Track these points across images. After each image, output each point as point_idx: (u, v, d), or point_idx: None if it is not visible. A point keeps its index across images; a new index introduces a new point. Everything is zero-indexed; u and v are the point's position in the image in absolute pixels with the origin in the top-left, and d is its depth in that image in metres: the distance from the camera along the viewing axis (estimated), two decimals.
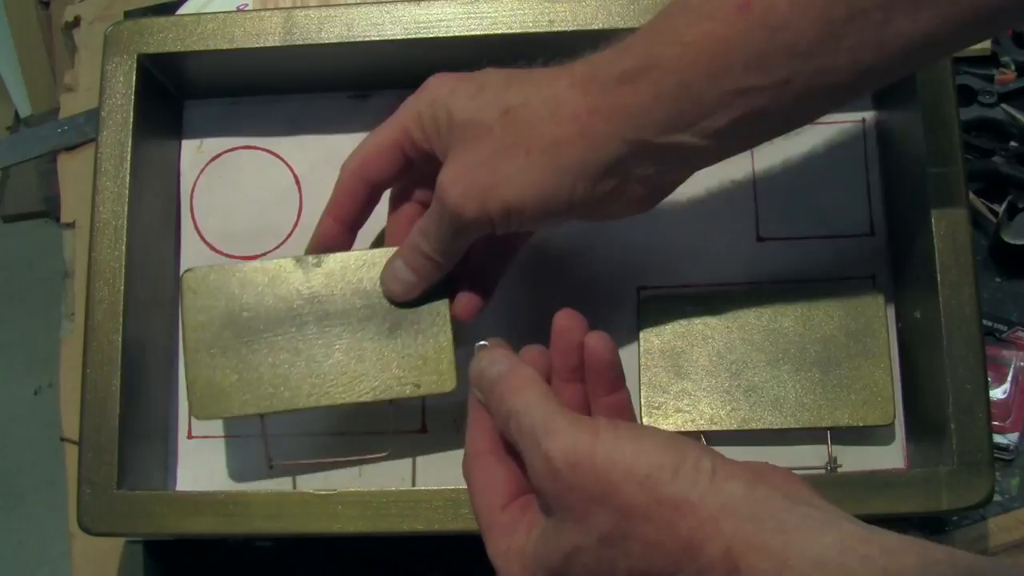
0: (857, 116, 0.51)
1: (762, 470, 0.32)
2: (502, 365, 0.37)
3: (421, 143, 0.43)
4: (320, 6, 0.49)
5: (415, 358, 0.46)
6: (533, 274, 0.50)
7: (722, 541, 0.29)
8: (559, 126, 0.39)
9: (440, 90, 0.42)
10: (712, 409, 0.47)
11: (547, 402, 0.35)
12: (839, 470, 0.46)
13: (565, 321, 0.38)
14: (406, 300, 0.45)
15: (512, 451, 0.37)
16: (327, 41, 0.48)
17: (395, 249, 0.45)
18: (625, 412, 0.39)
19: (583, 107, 0.39)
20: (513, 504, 0.36)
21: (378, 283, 0.46)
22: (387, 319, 0.46)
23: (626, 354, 0.49)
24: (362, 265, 0.46)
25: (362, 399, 0.45)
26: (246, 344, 0.45)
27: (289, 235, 0.52)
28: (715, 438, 0.47)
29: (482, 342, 0.39)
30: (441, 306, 0.46)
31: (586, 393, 0.38)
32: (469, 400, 0.39)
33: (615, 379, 0.38)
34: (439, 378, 0.46)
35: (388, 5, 0.48)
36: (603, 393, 0.38)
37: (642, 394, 0.47)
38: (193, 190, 0.53)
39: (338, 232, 0.46)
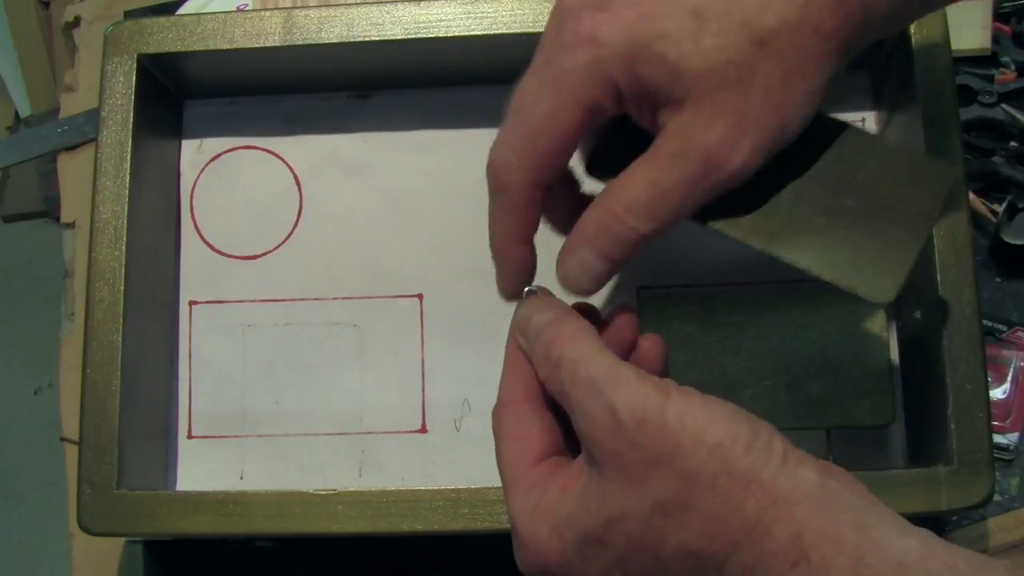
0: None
1: (828, 466, 0.30)
2: (554, 312, 0.34)
3: (612, 109, 0.34)
4: (320, 6, 0.49)
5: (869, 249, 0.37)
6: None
7: (792, 527, 0.28)
8: (826, 41, 0.32)
9: (630, 38, 0.33)
10: None
11: (607, 353, 0.32)
12: None
13: (622, 319, 0.36)
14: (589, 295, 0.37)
15: (551, 405, 0.34)
16: (327, 41, 0.48)
17: None
18: None
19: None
20: (546, 462, 0.33)
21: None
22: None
23: None
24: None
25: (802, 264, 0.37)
26: None
27: (289, 235, 0.52)
28: None
29: (531, 287, 0.37)
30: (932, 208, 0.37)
31: None
32: (508, 346, 0.36)
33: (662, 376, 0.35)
34: (880, 286, 0.36)
35: (388, 5, 0.48)
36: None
37: None
38: (193, 190, 0.53)
39: (525, 251, 0.37)
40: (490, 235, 0.37)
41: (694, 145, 0.33)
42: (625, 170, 0.35)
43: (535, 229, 0.37)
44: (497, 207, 0.37)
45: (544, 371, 0.34)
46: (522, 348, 0.35)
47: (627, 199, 0.34)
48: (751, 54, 0.32)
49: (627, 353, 0.36)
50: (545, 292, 0.36)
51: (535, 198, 0.36)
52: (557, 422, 0.34)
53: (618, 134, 0.37)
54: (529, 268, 0.38)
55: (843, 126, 0.38)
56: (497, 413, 0.35)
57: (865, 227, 0.37)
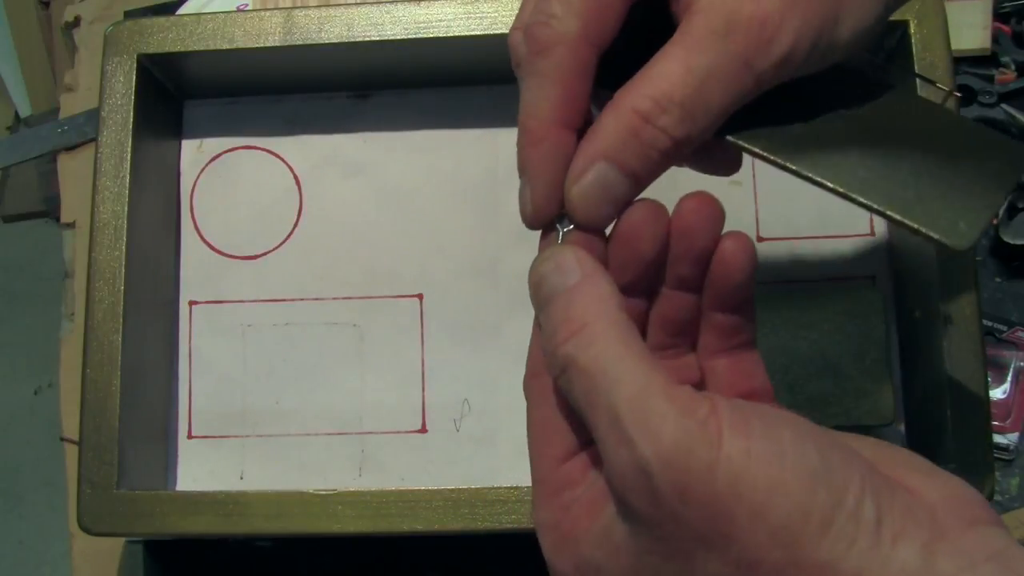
0: None
1: (942, 510, 0.23)
2: (572, 275, 0.26)
3: None
4: (320, 6, 0.49)
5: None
6: None
7: None
8: None
9: None
10: None
11: (629, 362, 0.24)
12: None
13: (694, 213, 0.27)
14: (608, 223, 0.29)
15: None
16: (327, 41, 0.48)
17: None
18: (744, 332, 0.29)
19: None
20: (572, 461, 0.27)
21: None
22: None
23: None
24: None
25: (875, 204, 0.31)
26: None
27: (289, 235, 0.52)
28: None
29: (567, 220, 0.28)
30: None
31: (697, 304, 0.28)
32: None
33: (744, 300, 0.28)
34: (954, 230, 0.30)
35: (388, 5, 0.48)
36: (718, 309, 0.28)
37: None
38: (193, 190, 0.53)
39: (571, 141, 0.29)
40: (521, 123, 0.29)
41: (742, 16, 0.26)
42: (651, 60, 0.28)
43: (583, 115, 0.29)
44: (534, 77, 0.29)
45: (552, 372, 0.27)
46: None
47: (657, 92, 0.27)
48: None
49: (701, 264, 0.27)
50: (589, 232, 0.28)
51: (588, 62, 0.28)
52: None
53: (636, 33, 0.30)
54: (563, 158, 0.29)
55: (890, 86, 0.33)
56: (526, 384, 0.29)
57: (931, 168, 0.31)
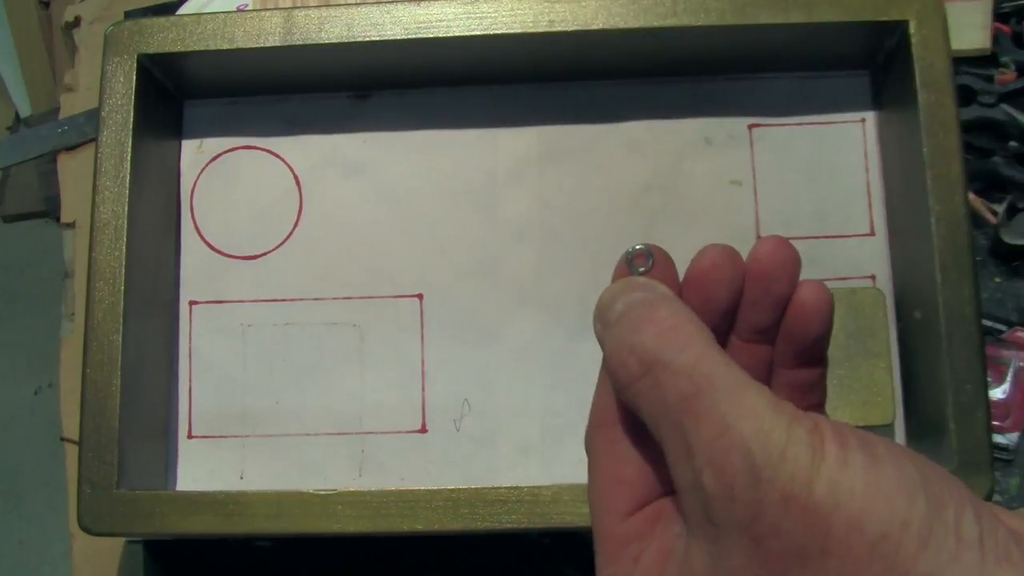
0: (857, 116, 0.51)
1: None
2: (647, 291, 0.25)
3: None
4: (320, 6, 0.49)
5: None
6: (532, 273, 0.50)
7: None
8: None
9: None
10: None
11: (736, 371, 0.23)
12: None
13: (772, 257, 0.26)
14: None
15: (643, 427, 0.25)
16: (327, 41, 0.48)
17: None
18: (816, 392, 0.28)
19: None
20: (640, 514, 0.26)
21: None
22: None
23: None
24: None
25: None
26: None
27: (289, 235, 0.52)
28: None
29: (637, 247, 0.27)
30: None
31: (769, 359, 0.27)
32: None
33: (818, 353, 0.27)
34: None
35: (388, 5, 0.48)
36: (794, 364, 0.27)
37: None
38: (193, 190, 0.53)
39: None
40: None
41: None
42: None
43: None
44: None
45: (625, 375, 0.24)
46: (599, 342, 0.26)
47: None
48: None
49: (777, 308, 0.26)
50: (658, 254, 0.26)
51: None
52: (654, 448, 0.25)
53: None
54: None
55: None
56: (587, 437, 0.27)
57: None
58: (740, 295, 0.27)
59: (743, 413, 0.22)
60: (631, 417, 0.26)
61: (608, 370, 0.25)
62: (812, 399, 0.28)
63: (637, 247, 0.27)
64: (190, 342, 0.51)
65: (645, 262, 0.27)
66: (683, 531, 0.24)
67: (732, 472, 0.22)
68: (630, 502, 0.26)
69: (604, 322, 0.26)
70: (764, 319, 0.27)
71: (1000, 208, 0.56)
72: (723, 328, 0.27)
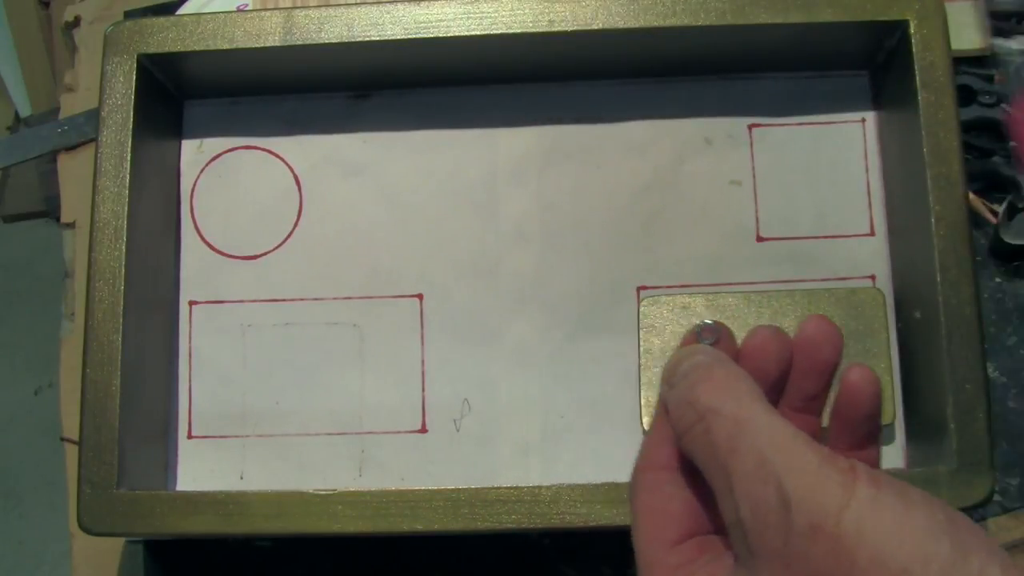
0: (857, 116, 0.51)
1: None
2: (707, 355, 0.29)
3: None
4: (320, 6, 0.49)
5: None
6: (532, 273, 0.50)
7: None
8: None
9: None
10: None
11: (776, 417, 0.25)
12: None
13: (818, 331, 0.30)
14: None
15: (698, 473, 0.28)
16: (327, 41, 0.48)
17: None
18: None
19: None
20: (688, 543, 0.28)
21: None
22: None
23: (627, 354, 0.49)
24: None
25: None
26: None
27: (289, 235, 0.52)
28: None
29: (706, 321, 0.31)
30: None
31: (818, 429, 0.30)
32: (658, 400, 0.31)
33: (870, 432, 0.30)
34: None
35: (388, 5, 0.48)
36: (847, 444, 0.30)
37: (642, 394, 0.47)
38: (193, 190, 0.53)
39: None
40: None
41: None
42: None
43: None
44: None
45: (684, 423, 0.27)
46: (664, 400, 0.29)
47: None
48: None
49: (824, 379, 0.29)
50: (723, 330, 0.30)
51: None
52: (704, 493, 0.28)
53: None
54: None
55: None
56: (634, 479, 0.30)
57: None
58: (788, 369, 0.30)
59: (779, 450, 0.24)
60: (686, 463, 0.28)
61: (671, 421, 0.28)
62: None
63: (706, 322, 0.31)
64: (190, 342, 0.51)
65: (711, 335, 0.31)
66: (733, 566, 0.26)
67: (766, 503, 0.24)
68: (677, 532, 0.28)
69: (670, 381, 0.29)
70: (812, 386, 0.30)
71: (1000, 208, 0.56)
72: (773, 399, 0.29)
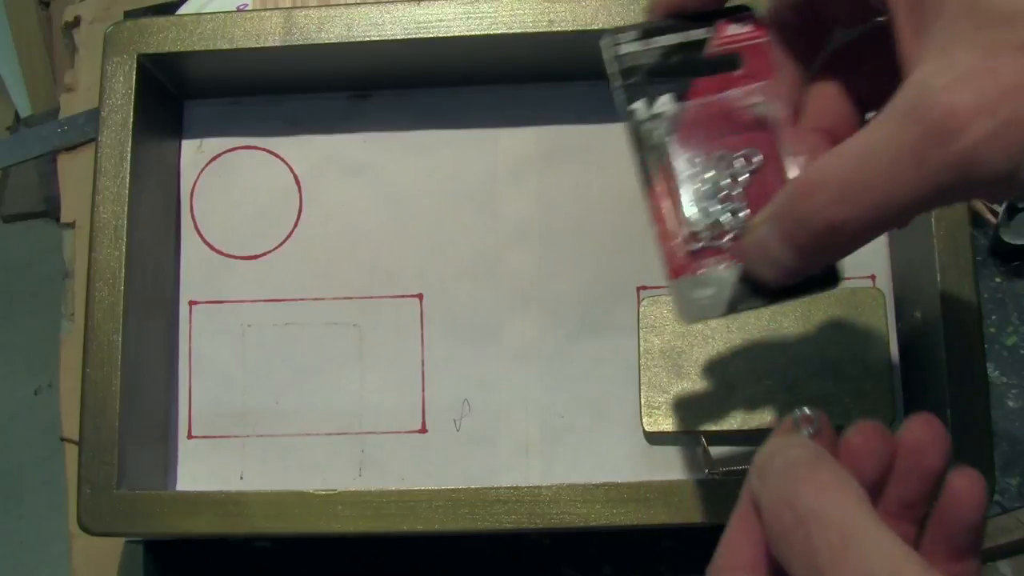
0: None
1: None
2: (808, 451, 0.26)
3: None
4: (320, 6, 0.49)
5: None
6: (532, 274, 0.50)
7: None
8: None
9: None
10: (712, 409, 0.47)
11: (887, 532, 0.23)
12: None
13: (926, 433, 0.27)
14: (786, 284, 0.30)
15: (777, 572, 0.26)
16: (327, 41, 0.48)
17: None
18: None
19: None
20: None
21: None
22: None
23: (626, 354, 0.49)
24: None
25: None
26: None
27: (289, 235, 0.52)
28: (715, 438, 0.47)
29: (804, 410, 0.29)
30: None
31: (915, 537, 0.28)
32: (742, 493, 0.28)
33: (972, 544, 0.28)
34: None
35: (388, 5, 0.48)
36: (945, 556, 0.27)
37: (642, 394, 0.48)
38: (193, 190, 0.53)
39: None
40: None
41: (928, 102, 0.24)
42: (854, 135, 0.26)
43: None
44: None
45: (780, 526, 0.25)
46: (755, 496, 0.26)
47: (825, 168, 0.26)
48: None
49: (927, 483, 0.27)
50: (823, 420, 0.28)
51: None
52: None
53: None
54: None
55: None
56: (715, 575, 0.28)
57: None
58: (888, 470, 0.28)
59: (889, 572, 0.22)
60: (773, 566, 0.26)
61: (763, 520, 0.26)
62: None
63: (806, 411, 0.28)
64: (190, 342, 0.51)
65: (810, 426, 0.28)
66: None
67: None
68: None
69: (762, 475, 0.26)
70: (912, 493, 0.27)
71: (1000, 208, 0.56)
72: (871, 500, 0.27)
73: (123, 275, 0.47)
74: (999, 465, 0.52)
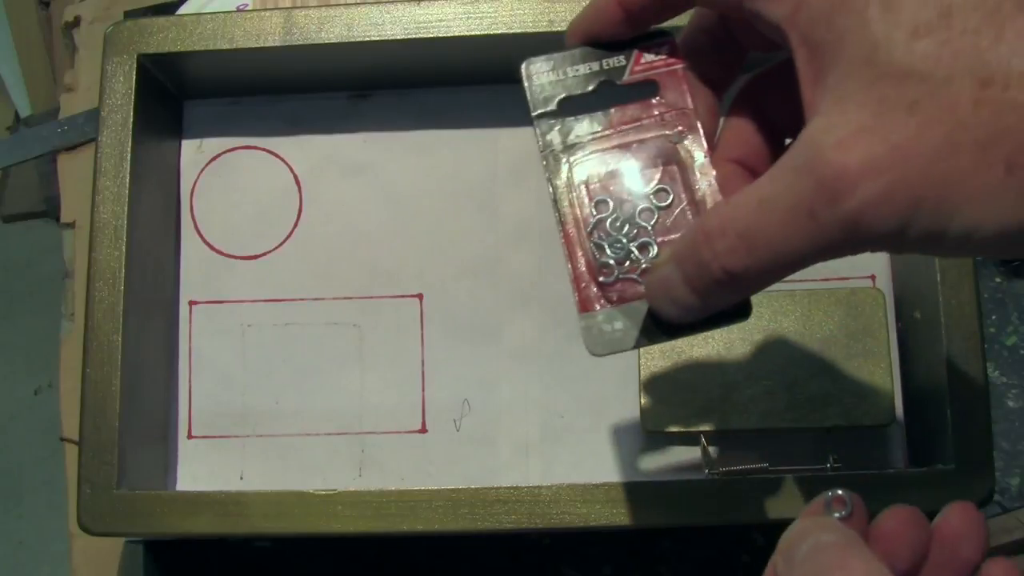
0: None
1: None
2: (838, 534, 0.25)
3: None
4: (320, 6, 0.49)
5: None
6: (532, 274, 0.50)
7: None
8: None
9: None
10: (712, 409, 0.47)
11: None
12: (839, 470, 0.46)
13: (963, 522, 0.27)
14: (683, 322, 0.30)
15: None
16: (327, 41, 0.48)
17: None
18: None
19: None
20: None
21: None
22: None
23: (626, 354, 0.49)
24: None
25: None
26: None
27: (289, 235, 0.52)
28: (715, 438, 0.47)
29: (838, 491, 0.28)
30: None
31: None
32: (764, 573, 0.27)
33: None
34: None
35: (388, 5, 0.48)
36: None
37: (642, 394, 0.47)
38: (193, 190, 0.53)
39: (618, 18, 0.31)
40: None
41: (821, 159, 0.24)
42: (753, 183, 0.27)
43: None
44: None
45: None
46: None
47: (724, 215, 0.26)
48: (964, 92, 0.23)
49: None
50: (856, 502, 0.27)
51: None
52: None
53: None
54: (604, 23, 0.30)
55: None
56: None
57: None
58: (923, 559, 0.27)
59: None
60: None
61: None
62: None
63: (837, 492, 0.27)
64: (190, 342, 0.51)
65: (843, 508, 0.27)
66: None
67: None
68: None
69: (788, 558, 0.26)
70: None
71: None
72: None
73: (123, 275, 0.47)
74: (999, 465, 0.52)
